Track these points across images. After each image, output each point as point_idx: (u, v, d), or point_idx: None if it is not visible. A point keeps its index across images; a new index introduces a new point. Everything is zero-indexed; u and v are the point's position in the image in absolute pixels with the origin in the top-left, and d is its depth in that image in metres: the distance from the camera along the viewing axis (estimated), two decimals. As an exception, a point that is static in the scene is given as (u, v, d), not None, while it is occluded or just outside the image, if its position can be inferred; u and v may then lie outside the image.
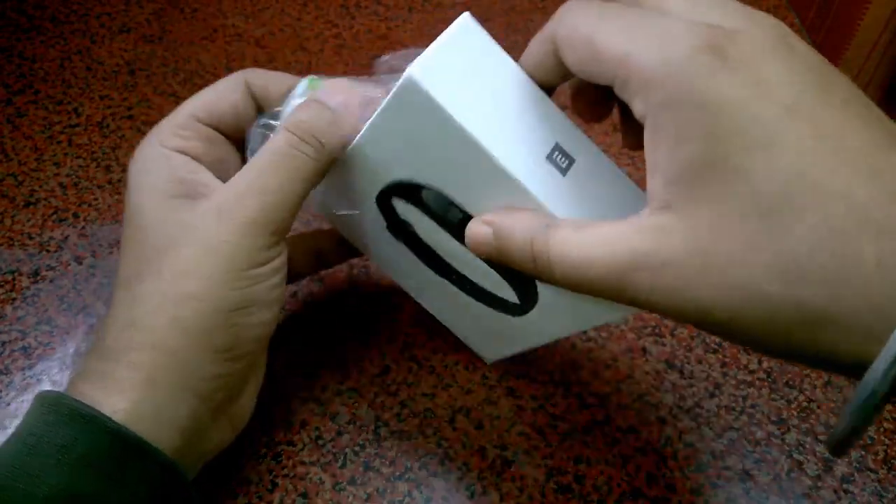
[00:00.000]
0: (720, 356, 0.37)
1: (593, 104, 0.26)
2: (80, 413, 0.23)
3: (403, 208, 0.29)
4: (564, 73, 0.24)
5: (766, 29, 0.21)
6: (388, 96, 0.25)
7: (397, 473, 0.32)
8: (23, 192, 0.42)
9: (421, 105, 0.24)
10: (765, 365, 0.37)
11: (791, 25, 0.54)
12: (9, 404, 0.34)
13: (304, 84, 0.29)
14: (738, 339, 0.20)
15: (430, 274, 0.31)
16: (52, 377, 0.35)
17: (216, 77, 0.49)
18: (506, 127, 0.25)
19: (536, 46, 0.25)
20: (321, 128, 0.27)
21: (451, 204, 0.27)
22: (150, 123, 0.46)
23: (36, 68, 0.49)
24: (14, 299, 0.38)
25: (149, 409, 0.25)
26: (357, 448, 0.33)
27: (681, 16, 0.21)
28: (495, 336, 0.33)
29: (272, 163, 0.26)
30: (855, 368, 0.18)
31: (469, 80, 0.24)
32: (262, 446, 0.33)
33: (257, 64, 0.49)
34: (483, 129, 0.24)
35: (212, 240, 0.25)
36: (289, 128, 0.27)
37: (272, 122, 0.29)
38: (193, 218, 0.26)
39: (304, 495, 0.32)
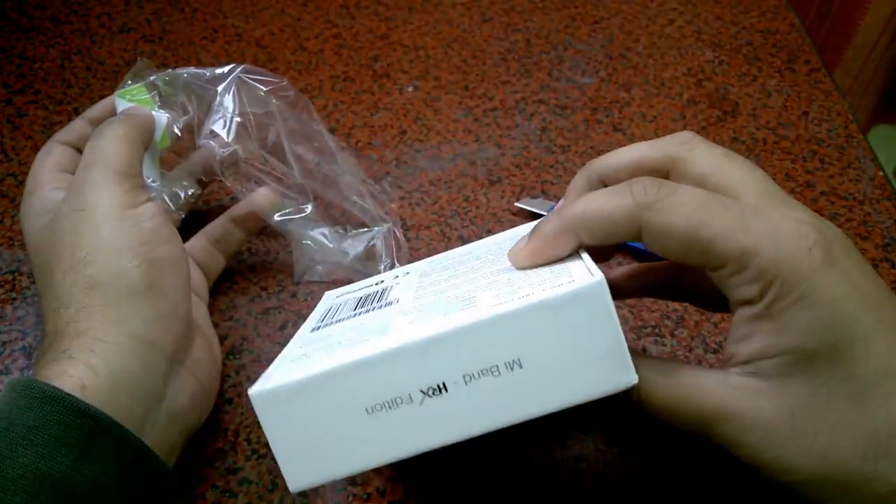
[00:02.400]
0: (720, 356, 0.37)
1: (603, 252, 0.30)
2: (49, 395, 0.25)
3: None
4: (622, 243, 0.26)
5: (835, 230, 0.23)
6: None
7: (397, 474, 0.32)
8: (23, 191, 0.42)
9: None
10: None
11: (791, 25, 0.55)
12: (9, 404, 0.34)
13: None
14: (814, 498, 0.23)
15: None
16: (53, 377, 0.35)
17: (216, 77, 0.49)
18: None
19: (607, 227, 0.24)
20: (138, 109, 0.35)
21: None
22: (150, 123, 0.46)
23: (36, 68, 0.49)
24: (14, 299, 0.38)
25: (104, 372, 0.26)
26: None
27: (766, 210, 0.23)
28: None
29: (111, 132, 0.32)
30: None
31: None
32: (263, 446, 0.33)
33: (258, 64, 0.49)
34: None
35: (87, 199, 0.30)
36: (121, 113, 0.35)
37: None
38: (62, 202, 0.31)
39: (304, 495, 0.32)
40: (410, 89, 0.50)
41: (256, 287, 0.39)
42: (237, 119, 0.36)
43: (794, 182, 0.45)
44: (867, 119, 0.96)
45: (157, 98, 0.36)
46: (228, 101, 0.36)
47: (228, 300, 0.38)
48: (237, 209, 0.38)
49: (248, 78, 0.37)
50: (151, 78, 0.36)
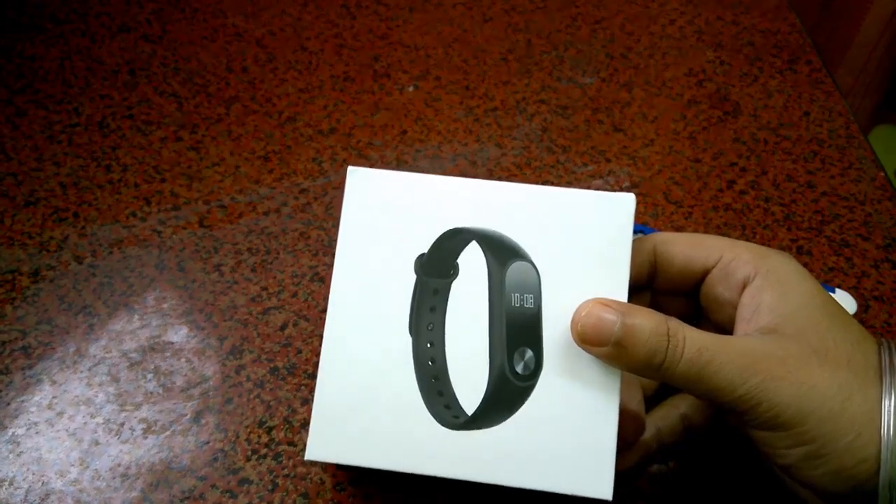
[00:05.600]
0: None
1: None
2: None
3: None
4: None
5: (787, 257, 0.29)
6: None
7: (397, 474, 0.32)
8: (23, 191, 0.42)
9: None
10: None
11: (792, 26, 0.54)
12: (9, 404, 0.34)
13: None
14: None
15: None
16: (52, 377, 0.35)
17: (216, 77, 0.49)
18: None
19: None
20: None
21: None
22: (151, 123, 0.46)
23: (36, 68, 0.49)
24: (14, 299, 0.38)
25: None
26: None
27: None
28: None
29: None
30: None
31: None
32: (263, 446, 0.33)
33: (258, 63, 0.49)
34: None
35: None
36: None
37: None
38: None
39: (305, 495, 0.32)
40: (411, 89, 0.50)
41: (256, 287, 0.39)
42: None
43: (794, 182, 0.45)
44: (868, 119, 0.96)
45: None
46: None
47: (228, 300, 0.38)
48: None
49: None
50: None
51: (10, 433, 0.33)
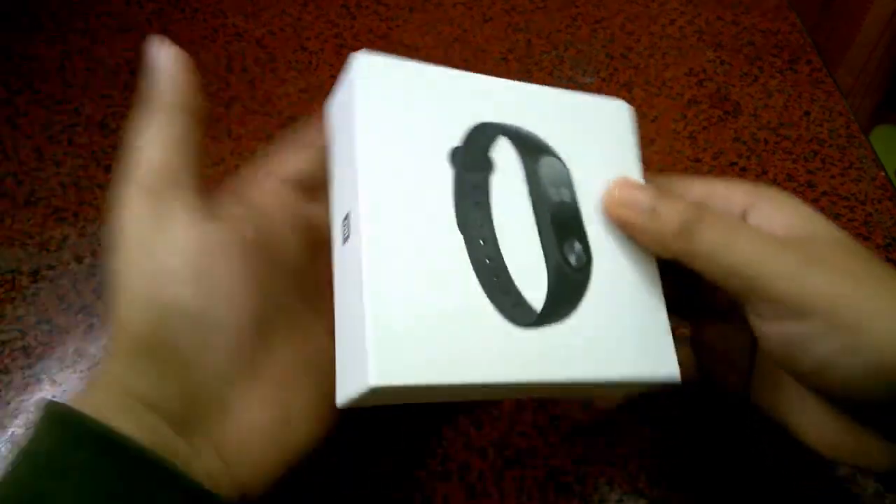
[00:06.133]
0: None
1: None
2: (104, 436, 0.22)
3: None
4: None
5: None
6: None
7: (397, 474, 0.32)
8: (23, 191, 0.42)
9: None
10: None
11: (793, 25, 0.54)
12: (9, 404, 0.34)
13: None
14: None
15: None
16: (52, 376, 0.35)
17: (216, 77, 0.49)
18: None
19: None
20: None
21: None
22: (151, 123, 0.46)
23: (36, 68, 0.49)
24: (14, 299, 0.38)
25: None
26: (358, 447, 0.33)
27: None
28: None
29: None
30: None
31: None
32: (262, 446, 0.33)
33: (258, 63, 0.49)
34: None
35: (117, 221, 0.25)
36: None
37: None
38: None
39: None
40: (411, 89, 0.50)
41: (256, 287, 0.39)
42: None
43: (795, 182, 0.45)
44: (869, 119, 0.96)
45: None
46: None
47: (228, 300, 0.38)
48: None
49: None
50: None
51: (9, 433, 0.33)
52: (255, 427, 0.25)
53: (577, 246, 0.27)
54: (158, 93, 0.26)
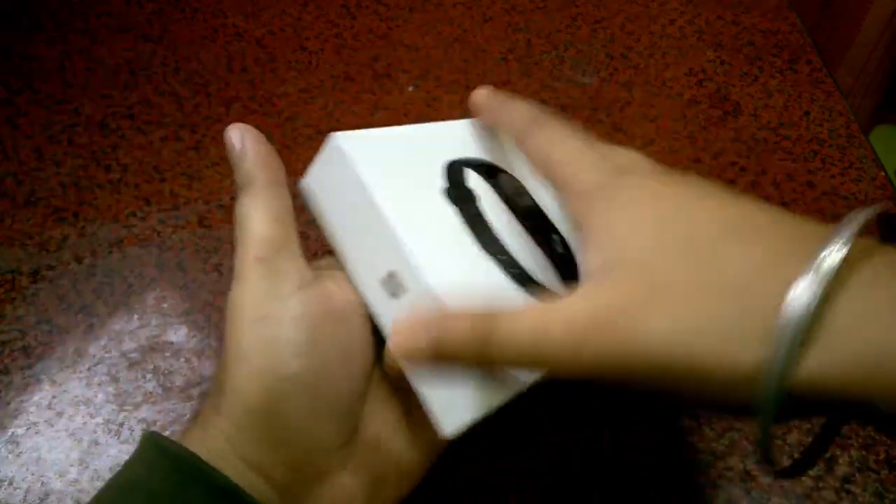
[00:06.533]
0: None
1: None
2: (231, 492, 0.23)
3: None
4: None
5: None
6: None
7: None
8: (23, 191, 0.42)
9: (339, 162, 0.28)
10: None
11: (793, 25, 0.54)
12: (9, 404, 0.34)
13: None
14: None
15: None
16: (52, 376, 0.35)
17: (216, 77, 0.49)
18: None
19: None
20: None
21: (521, 188, 0.31)
22: (151, 123, 0.46)
23: (36, 68, 0.49)
24: (14, 299, 0.38)
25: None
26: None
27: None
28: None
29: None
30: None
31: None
32: (262, 446, 0.33)
33: (258, 63, 0.49)
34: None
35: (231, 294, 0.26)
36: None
37: None
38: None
39: (304, 495, 0.32)
40: (411, 89, 0.50)
41: (256, 287, 0.39)
42: None
43: (795, 182, 0.45)
44: (868, 119, 0.96)
45: None
46: None
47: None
48: None
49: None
50: None
51: (9, 433, 0.33)
52: (346, 493, 0.26)
53: (556, 237, 0.31)
54: (254, 175, 0.28)
